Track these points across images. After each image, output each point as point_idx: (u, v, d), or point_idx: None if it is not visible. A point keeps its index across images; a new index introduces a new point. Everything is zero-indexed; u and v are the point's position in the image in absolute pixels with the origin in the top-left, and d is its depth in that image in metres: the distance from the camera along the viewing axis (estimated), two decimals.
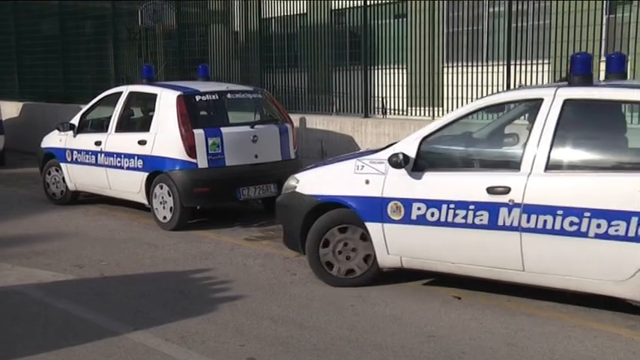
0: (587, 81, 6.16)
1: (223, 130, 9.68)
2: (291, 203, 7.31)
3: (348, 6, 12.90)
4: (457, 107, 10.42)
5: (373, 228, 6.69)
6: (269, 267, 7.80)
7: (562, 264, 5.85)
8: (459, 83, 10.82)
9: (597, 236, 5.59)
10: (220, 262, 8.03)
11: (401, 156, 6.33)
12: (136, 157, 9.92)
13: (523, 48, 10.21)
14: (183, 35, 15.82)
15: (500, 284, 6.39)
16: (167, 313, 6.35)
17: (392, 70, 12.11)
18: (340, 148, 11.21)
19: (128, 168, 10.03)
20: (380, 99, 12.17)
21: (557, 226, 5.74)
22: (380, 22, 12.63)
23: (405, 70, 12.26)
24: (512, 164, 6.17)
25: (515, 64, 9.89)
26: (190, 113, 9.60)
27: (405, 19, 12.94)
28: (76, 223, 10.16)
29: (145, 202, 9.95)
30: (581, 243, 5.66)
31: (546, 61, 9.95)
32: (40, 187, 11.87)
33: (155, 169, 9.69)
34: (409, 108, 11.96)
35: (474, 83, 10.57)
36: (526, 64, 9.95)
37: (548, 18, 10.29)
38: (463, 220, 6.19)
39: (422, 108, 11.61)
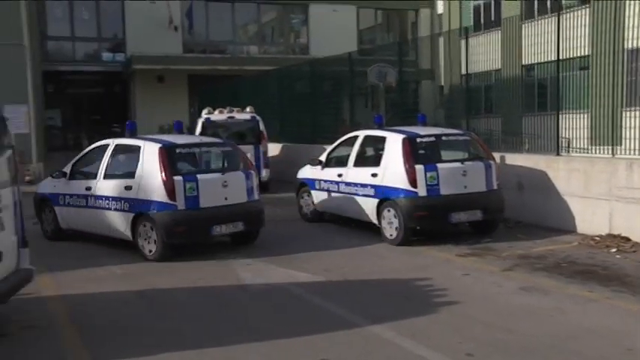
0: (134, 134, 9.82)
1: (439, 165, 9.48)
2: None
3: (537, 61, 12.32)
4: (635, 146, 9.62)
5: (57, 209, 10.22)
6: (478, 279, 7.48)
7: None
8: (637, 125, 9.93)
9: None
10: (437, 273, 7.80)
11: (60, 172, 10.25)
12: (369, 187, 9.92)
13: None
14: (402, 90, 15.79)
15: None
16: (398, 311, 6.26)
17: (576, 114, 11.37)
18: (535, 181, 10.62)
19: (363, 195, 10.05)
20: (565, 139, 11.44)
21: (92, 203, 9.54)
22: (566, 74, 11.91)
23: (587, 114, 11.49)
24: (94, 175, 9.57)
25: None
26: (413, 152, 9.47)
27: (588, 71, 12.16)
28: (321, 237, 10.31)
29: (376, 222, 9.88)
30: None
31: None
32: (295, 208, 12.13)
33: (384, 196, 9.61)
34: (591, 147, 11.16)
35: None
36: None
37: None
38: (80, 203, 9.66)
39: (603, 147, 10.77)
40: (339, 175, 10.64)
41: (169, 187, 8.61)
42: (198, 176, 8.88)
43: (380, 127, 10.68)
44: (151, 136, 10.00)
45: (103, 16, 28.61)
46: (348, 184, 10.42)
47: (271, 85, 20.44)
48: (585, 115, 11.47)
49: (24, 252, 6.17)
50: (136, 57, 26.25)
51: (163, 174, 8.65)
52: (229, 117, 16.31)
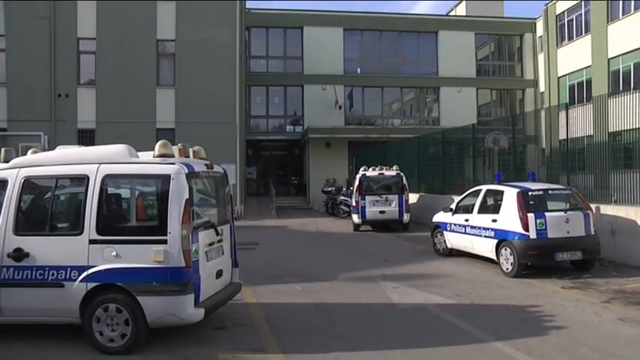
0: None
1: (546, 214, 9.08)
2: None
3: (622, 129, 11.43)
4: None
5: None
6: (580, 309, 7.03)
7: None
8: None
9: None
10: (545, 301, 7.43)
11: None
12: (490, 230, 9.70)
13: None
14: (512, 152, 15.20)
15: None
16: (516, 331, 6.05)
17: None
18: (626, 228, 9.84)
19: (485, 236, 9.83)
20: None
21: None
22: None
23: None
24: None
25: None
26: (525, 203, 9.19)
27: None
28: (452, 268, 10.12)
29: (494, 258, 9.61)
30: None
31: None
32: (430, 245, 12.03)
33: (502, 238, 9.38)
34: None
35: None
36: None
37: None
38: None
39: None
40: (466, 220, 10.50)
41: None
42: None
43: (499, 183, 10.49)
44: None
45: (289, 100, 30.50)
46: (472, 227, 10.27)
47: (411, 149, 20.48)
48: None
49: (235, 270, 6.76)
50: (311, 128, 27.49)
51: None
52: (380, 173, 16.70)
